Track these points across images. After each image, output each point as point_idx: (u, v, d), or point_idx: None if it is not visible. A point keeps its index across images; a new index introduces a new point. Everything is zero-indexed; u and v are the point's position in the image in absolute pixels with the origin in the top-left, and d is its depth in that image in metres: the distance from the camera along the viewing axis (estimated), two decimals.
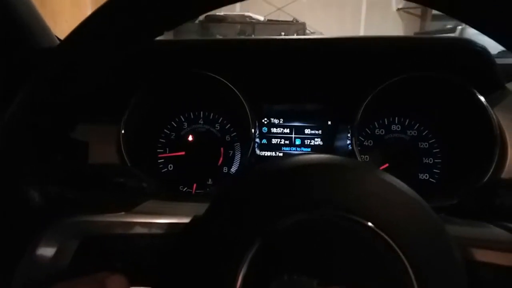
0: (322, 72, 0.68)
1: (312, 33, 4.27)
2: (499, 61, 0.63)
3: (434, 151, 0.71)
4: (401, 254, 0.26)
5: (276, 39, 0.67)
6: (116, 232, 0.33)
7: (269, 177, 0.30)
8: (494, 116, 0.58)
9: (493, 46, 0.47)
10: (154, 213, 0.34)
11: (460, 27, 2.79)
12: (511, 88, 0.64)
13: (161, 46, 0.66)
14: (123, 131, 0.64)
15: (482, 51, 0.59)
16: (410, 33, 4.34)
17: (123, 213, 0.34)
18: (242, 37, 3.50)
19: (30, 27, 0.58)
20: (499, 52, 0.76)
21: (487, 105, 0.59)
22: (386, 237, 0.26)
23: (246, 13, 3.88)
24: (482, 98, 0.59)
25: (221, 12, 3.59)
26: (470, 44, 0.60)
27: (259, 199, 0.28)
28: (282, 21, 4.08)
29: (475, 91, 0.60)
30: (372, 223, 0.27)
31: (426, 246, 0.27)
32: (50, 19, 0.64)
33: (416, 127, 0.72)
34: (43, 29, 0.62)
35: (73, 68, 0.28)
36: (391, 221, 0.27)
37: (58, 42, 0.67)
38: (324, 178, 0.29)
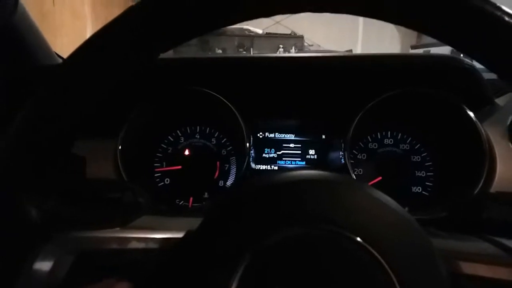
0: (316, 88, 0.70)
1: (310, 46, 4.30)
2: (488, 76, 0.64)
3: (426, 164, 0.72)
4: (387, 268, 0.27)
5: (270, 56, 0.69)
6: (111, 247, 0.33)
7: (259, 194, 0.30)
8: (483, 131, 0.59)
9: None
10: (150, 228, 0.35)
11: None
12: (500, 103, 0.65)
13: (158, 63, 0.67)
14: (120, 147, 0.64)
15: (470, 69, 0.61)
16: (407, 45, 4.37)
17: (118, 228, 0.34)
18: (240, 51, 3.53)
19: (30, 45, 0.59)
20: None
21: (476, 120, 0.60)
22: (373, 251, 0.27)
23: (245, 26, 3.91)
24: (471, 114, 0.61)
25: None
26: (458, 62, 0.61)
27: (249, 215, 0.29)
28: (280, 34, 4.11)
29: (465, 107, 0.61)
30: (360, 238, 0.27)
31: (413, 260, 0.28)
32: (51, 33, 0.65)
33: (408, 141, 0.73)
34: (42, 46, 0.63)
35: (76, 87, 0.29)
36: (378, 236, 0.28)
37: (57, 59, 0.68)
38: (313, 194, 0.29)
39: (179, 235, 0.34)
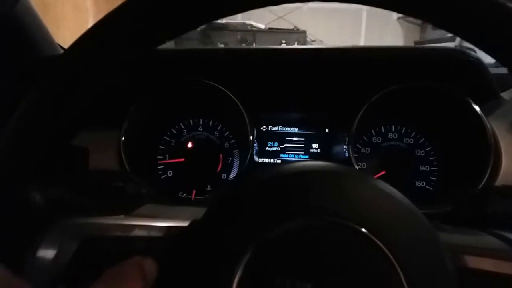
0: (320, 81, 0.70)
1: (313, 41, 4.29)
2: (494, 70, 0.64)
3: (430, 158, 0.72)
4: (392, 259, 0.27)
5: (274, 48, 0.69)
6: (115, 234, 0.34)
7: (264, 185, 0.30)
8: (489, 125, 0.59)
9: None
10: (153, 216, 0.35)
11: None
12: (505, 97, 0.65)
13: (161, 54, 0.67)
14: (123, 138, 0.64)
15: (476, 62, 0.60)
16: (410, 41, 4.36)
17: (122, 216, 0.35)
18: (243, 45, 3.52)
19: (33, 36, 0.59)
20: (496, 62, 0.76)
21: (482, 114, 0.60)
22: (378, 242, 0.27)
23: (247, 21, 3.90)
24: (476, 108, 0.60)
25: (222, 20, 3.61)
26: (464, 55, 0.61)
27: (254, 206, 0.29)
28: (283, 29, 4.10)
29: (470, 100, 0.61)
30: (365, 229, 0.27)
31: (418, 252, 0.27)
32: (53, 25, 0.65)
33: (412, 135, 0.73)
34: (46, 38, 0.63)
35: (76, 78, 0.29)
36: (384, 227, 0.28)
37: (60, 50, 0.68)
38: (318, 185, 0.29)
39: (184, 224, 0.34)
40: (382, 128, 0.74)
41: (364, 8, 4.37)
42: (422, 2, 0.27)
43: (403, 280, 0.26)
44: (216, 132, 0.77)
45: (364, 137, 0.74)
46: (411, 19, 4.23)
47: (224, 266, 0.27)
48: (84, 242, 0.33)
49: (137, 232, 0.34)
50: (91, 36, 0.29)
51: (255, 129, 0.72)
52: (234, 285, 0.26)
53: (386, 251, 0.27)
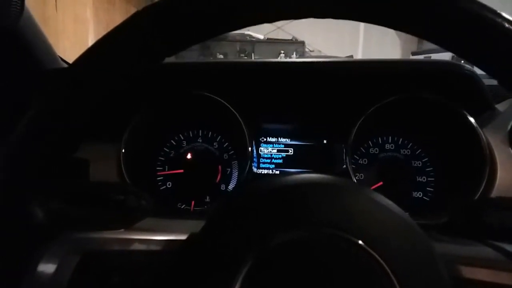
0: (318, 93, 0.70)
1: (311, 51, 4.32)
2: (489, 82, 0.65)
3: (427, 169, 0.72)
4: (389, 271, 0.27)
5: (272, 61, 0.70)
6: (115, 249, 0.34)
7: (262, 197, 0.31)
8: (484, 137, 0.60)
9: None
10: (152, 230, 0.36)
11: None
12: (500, 108, 0.66)
13: (161, 67, 0.68)
14: (123, 150, 0.65)
15: (470, 75, 0.61)
16: (407, 51, 4.40)
17: (122, 230, 0.35)
18: (242, 56, 3.54)
19: (36, 49, 0.60)
20: None
21: (477, 126, 0.60)
22: (375, 254, 0.27)
23: (246, 32, 3.94)
24: (472, 119, 0.61)
25: None
26: (458, 68, 0.62)
27: (251, 218, 0.29)
28: (281, 39, 4.14)
29: (465, 112, 0.62)
30: (362, 241, 0.28)
31: (414, 263, 0.28)
32: (53, 37, 0.66)
33: (409, 146, 0.74)
34: (49, 52, 0.64)
35: (81, 91, 0.29)
36: (380, 239, 0.28)
37: (62, 63, 0.69)
38: (315, 197, 0.30)
39: (183, 237, 0.34)
40: (379, 139, 0.75)
41: None
42: (413, 20, 0.27)
43: None
44: (215, 144, 0.77)
45: (362, 148, 0.75)
46: None
47: (223, 278, 0.27)
48: (84, 257, 0.33)
49: (137, 246, 0.34)
50: (97, 51, 0.29)
51: (254, 141, 0.72)
52: None
53: (382, 262, 0.27)
